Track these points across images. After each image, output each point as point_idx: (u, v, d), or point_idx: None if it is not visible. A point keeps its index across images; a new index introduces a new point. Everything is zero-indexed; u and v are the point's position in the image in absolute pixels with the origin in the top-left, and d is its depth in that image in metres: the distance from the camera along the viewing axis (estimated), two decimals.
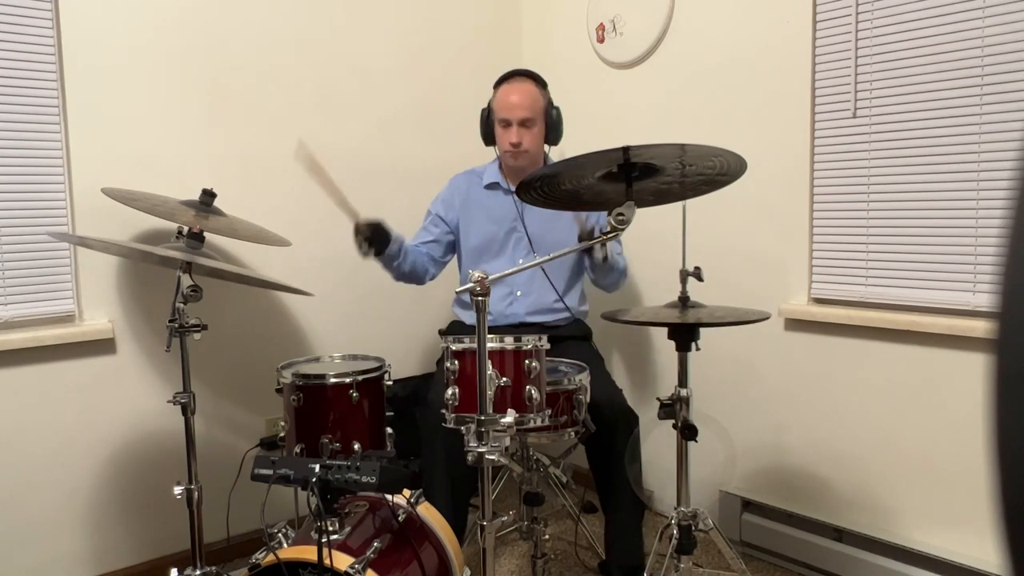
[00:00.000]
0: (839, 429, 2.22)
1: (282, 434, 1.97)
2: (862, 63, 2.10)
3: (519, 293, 2.37)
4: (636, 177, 1.54)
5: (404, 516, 1.65)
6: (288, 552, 1.46)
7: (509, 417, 1.45)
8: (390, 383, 2.01)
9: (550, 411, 1.70)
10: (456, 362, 1.61)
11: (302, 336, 2.62)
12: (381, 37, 2.76)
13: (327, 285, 2.65)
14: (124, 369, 2.26)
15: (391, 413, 2.02)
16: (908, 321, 2.01)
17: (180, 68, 2.33)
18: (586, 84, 2.90)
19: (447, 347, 1.63)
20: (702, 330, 1.83)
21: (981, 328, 1.88)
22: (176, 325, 1.84)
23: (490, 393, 1.51)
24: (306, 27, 2.58)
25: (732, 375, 2.48)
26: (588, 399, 1.91)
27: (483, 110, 2.37)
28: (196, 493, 1.90)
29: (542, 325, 2.34)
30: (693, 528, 1.83)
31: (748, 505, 2.40)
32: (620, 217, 1.47)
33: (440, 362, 2.21)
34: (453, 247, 2.47)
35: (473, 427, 1.45)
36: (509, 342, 1.61)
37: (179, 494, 1.88)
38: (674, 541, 1.82)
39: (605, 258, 2.11)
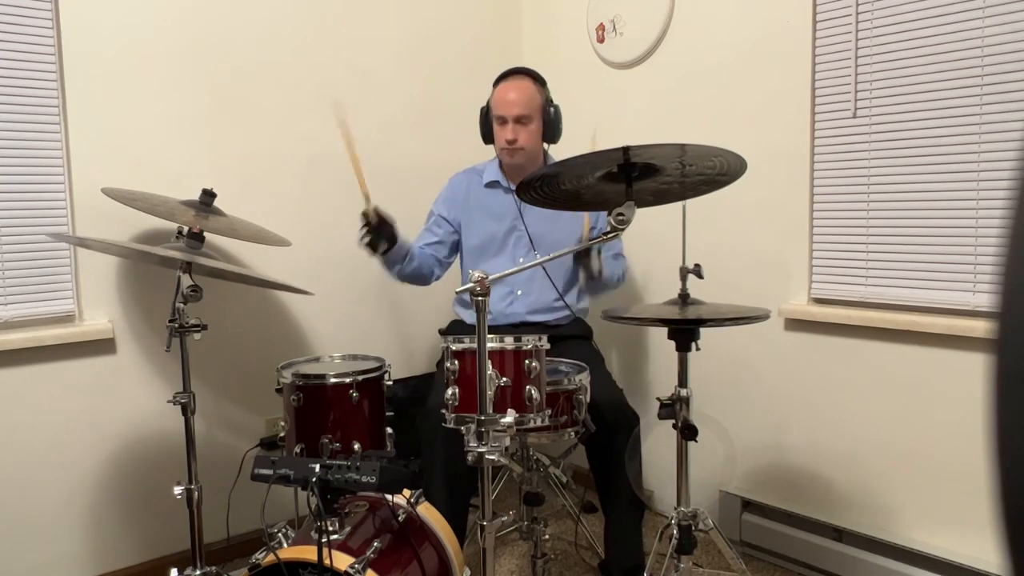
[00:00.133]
0: (839, 429, 2.22)
1: (282, 434, 1.97)
2: (862, 63, 2.10)
3: (519, 292, 2.37)
4: (636, 177, 1.54)
5: (404, 516, 1.65)
6: (288, 552, 1.46)
7: (509, 417, 1.45)
8: (390, 383, 2.02)
9: (550, 411, 1.70)
10: (456, 362, 1.61)
11: (302, 336, 2.62)
12: (381, 37, 2.76)
13: (327, 285, 2.65)
14: (124, 369, 2.26)
15: (391, 413, 2.02)
16: (908, 321, 2.01)
17: (180, 68, 2.33)
18: (586, 84, 2.90)
19: (447, 347, 1.63)
20: (702, 330, 1.83)
21: (981, 328, 1.88)
22: (176, 325, 1.84)
23: (490, 393, 1.51)
24: (306, 27, 2.58)
25: (732, 375, 2.48)
26: (588, 399, 1.91)
27: (482, 108, 2.37)
28: (196, 493, 1.90)
29: (543, 324, 2.34)
30: (693, 528, 1.83)
31: (748, 505, 2.40)
32: (620, 217, 1.47)
33: (440, 363, 2.21)
34: (456, 247, 2.47)
35: (473, 427, 1.45)
36: (509, 342, 1.61)
37: (179, 494, 1.88)
38: (674, 541, 1.82)
39: (600, 272, 2.15)
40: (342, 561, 1.42)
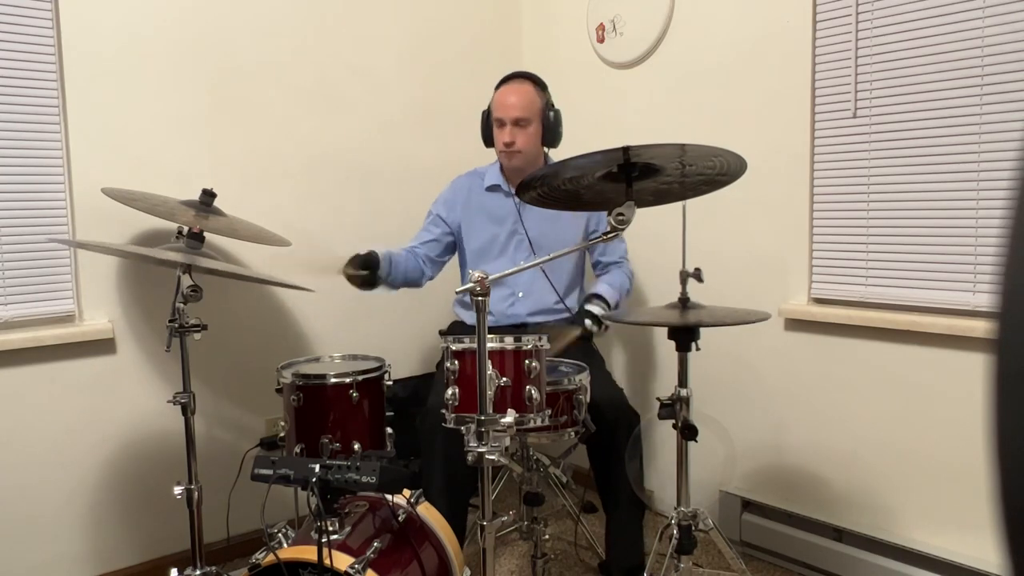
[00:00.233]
0: (839, 429, 2.22)
1: (282, 434, 1.97)
2: (862, 63, 2.10)
3: (520, 294, 2.37)
4: (636, 177, 1.54)
5: (404, 516, 1.65)
6: (288, 552, 1.46)
7: (509, 417, 1.45)
8: (390, 383, 2.01)
9: (550, 411, 1.70)
10: (456, 362, 1.61)
11: (302, 336, 2.62)
12: (381, 37, 2.76)
13: (327, 285, 2.65)
14: (124, 369, 2.26)
15: (391, 413, 2.02)
16: (908, 321, 2.01)
17: (180, 68, 2.33)
18: (586, 84, 2.90)
19: (447, 347, 1.63)
20: (702, 330, 1.83)
21: (981, 328, 1.88)
22: (176, 325, 1.84)
23: (490, 393, 1.51)
24: (306, 27, 2.58)
25: (732, 375, 2.48)
26: (588, 399, 1.91)
27: (483, 112, 2.37)
28: (196, 493, 1.90)
29: (543, 326, 2.34)
30: (693, 528, 1.83)
31: (748, 505, 2.40)
32: (620, 217, 1.47)
33: (440, 364, 2.21)
34: (452, 248, 2.47)
35: (473, 427, 1.45)
36: (509, 342, 1.61)
37: (179, 494, 1.88)
38: (674, 541, 1.82)
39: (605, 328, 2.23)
40: (342, 561, 1.42)
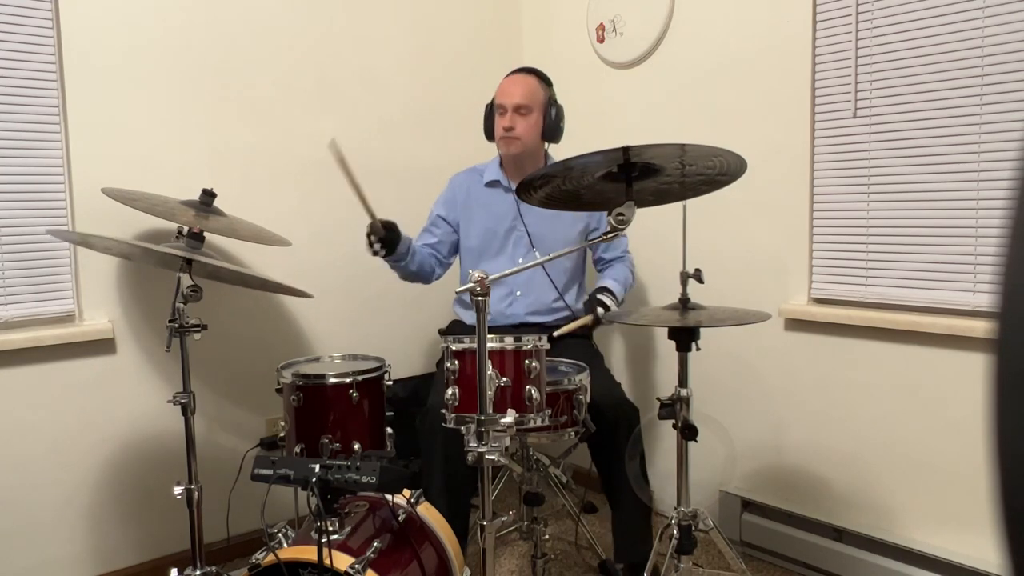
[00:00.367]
0: (839, 429, 2.22)
1: (282, 434, 1.97)
2: (862, 63, 2.10)
3: (519, 293, 2.37)
4: (636, 177, 1.54)
5: (404, 516, 1.65)
6: (288, 552, 1.47)
7: (509, 417, 1.45)
8: (390, 383, 2.02)
9: (550, 411, 1.70)
10: (456, 362, 1.61)
11: (302, 336, 2.62)
12: (381, 37, 2.76)
13: (327, 285, 2.65)
14: (124, 369, 2.26)
15: (391, 413, 2.02)
16: (908, 321, 2.01)
17: (180, 68, 2.33)
18: (586, 84, 2.90)
19: (447, 347, 1.63)
20: (702, 330, 1.83)
21: (981, 328, 1.88)
22: (176, 325, 1.84)
23: (490, 393, 1.51)
24: (306, 27, 2.58)
25: (732, 375, 2.48)
26: (588, 399, 1.91)
27: (487, 105, 2.38)
28: (196, 493, 1.90)
29: (542, 325, 2.34)
30: (693, 528, 1.83)
31: (748, 505, 2.40)
32: (620, 217, 1.47)
33: (440, 363, 2.21)
34: (457, 246, 2.47)
35: (473, 427, 1.45)
36: (509, 342, 1.61)
37: (179, 494, 1.88)
38: (674, 541, 1.82)
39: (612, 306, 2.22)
40: (342, 561, 1.42)
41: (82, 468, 2.20)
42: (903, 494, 2.09)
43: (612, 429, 2.06)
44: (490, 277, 1.42)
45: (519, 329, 2.33)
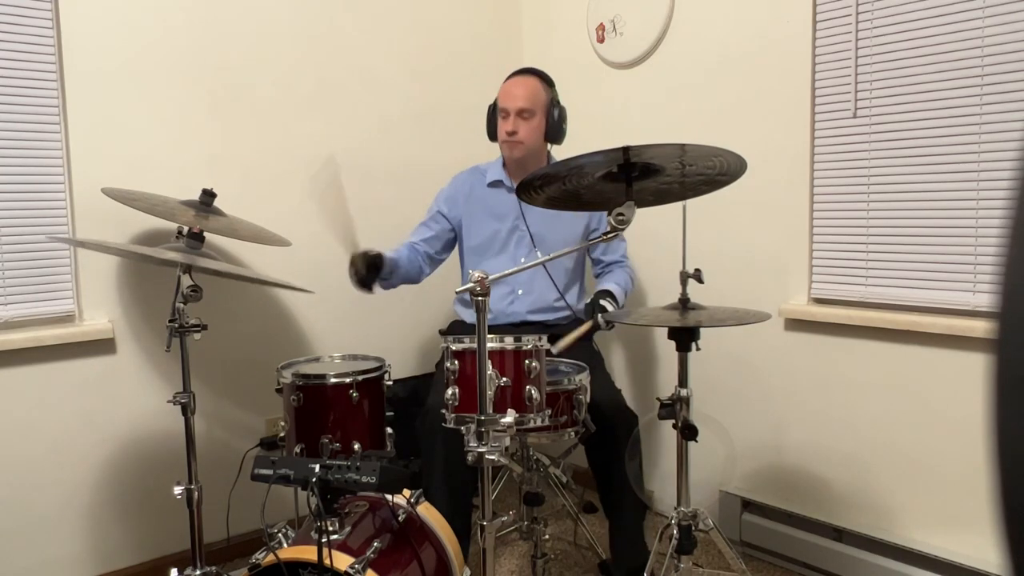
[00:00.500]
0: (839, 429, 2.22)
1: (282, 434, 1.97)
2: (862, 63, 2.10)
3: (520, 292, 2.37)
4: (636, 177, 1.54)
5: (404, 516, 1.65)
6: (288, 552, 1.46)
7: (509, 417, 1.45)
8: (390, 383, 2.01)
9: (550, 411, 1.70)
10: (456, 362, 1.61)
11: (302, 336, 2.62)
12: (381, 37, 2.76)
13: (327, 285, 2.65)
14: (124, 369, 2.26)
15: (391, 413, 2.02)
16: (908, 321, 2.01)
17: (180, 68, 2.33)
18: (586, 84, 2.90)
19: (447, 347, 1.63)
20: (702, 330, 1.83)
21: (981, 328, 1.88)
22: (176, 325, 1.84)
23: (490, 393, 1.51)
24: (307, 27, 2.58)
25: (732, 375, 2.48)
26: (588, 399, 1.91)
27: (490, 105, 2.38)
28: (196, 493, 1.90)
29: (543, 324, 2.34)
30: (693, 528, 1.83)
31: (748, 505, 2.40)
32: (620, 217, 1.47)
33: (440, 363, 2.21)
34: (452, 244, 2.47)
35: (473, 427, 1.45)
36: (509, 342, 1.61)
37: (179, 494, 1.88)
38: (674, 541, 1.82)
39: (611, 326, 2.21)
40: (342, 561, 1.42)
41: (82, 468, 2.20)
42: (903, 494, 2.09)
43: (611, 432, 2.06)
44: (490, 277, 1.42)
45: (520, 328, 2.33)
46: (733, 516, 2.42)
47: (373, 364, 2.01)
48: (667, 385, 2.68)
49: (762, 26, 2.32)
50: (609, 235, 1.50)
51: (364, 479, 1.45)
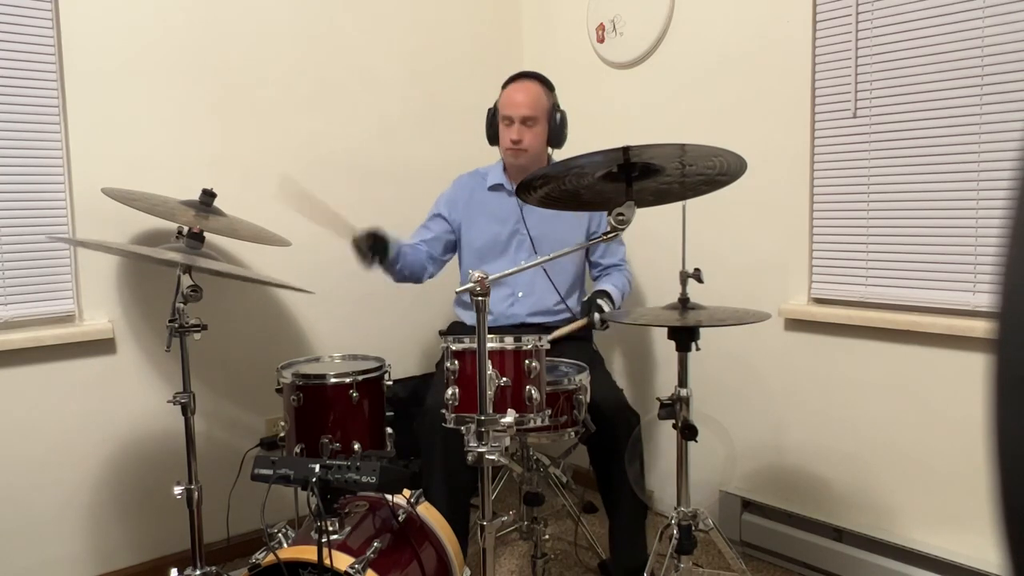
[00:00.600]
0: (839, 429, 2.22)
1: (282, 434, 1.97)
2: (862, 63, 2.10)
3: (520, 294, 2.37)
4: (636, 177, 1.54)
5: (404, 516, 1.65)
6: (288, 552, 1.46)
7: (509, 417, 1.45)
8: (390, 383, 2.01)
9: (550, 411, 1.70)
10: (456, 362, 1.61)
11: (302, 336, 2.62)
12: (381, 38, 2.76)
13: (327, 285, 2.65)
14: (124, 369, 2.26)
15: (391, 413, 2.02)
16: (908, 321, 2.01)
17: (180, 68, 2.33)
18: (586, 84, 2.90)
19: (447, 347, 1.63)
20: (702, 330, 1.83)
21: (981, 328, 1.88)
22: (176, 325, 1.84)
23: (490, 393, 1.51)
24: (306, 27, 2.58)
25: (732, 375, 2.48)
26: (588, 399, 1.91)
27: (489, 110, 2.38)
28: (196, 493, 1.90)
29: (543, 326, 2.34)
30: (693, 528, 1.83)
31: (748, 505, 2.40)
32: (620, 217, 1.47)
33: (440, 364, 2.21)
34: (453, 246, 2.47)
35: (473, 427, 1.45)
36: (509, 342, 1.61)
37: (179, 494, 1.88)
38: (674, 541, 1.82)
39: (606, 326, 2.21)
40: (342, 561, 1.42)
41: (82, 468, 2.20)
42: (903, 494, 2.09)
43: (611, 432, 2.06)
44: (490, 277, 1.42)
45: (520, 329, 2.33)
46: (733, 516, 2.42)
47: (373, 364, 2.01)
48: (667, 385, 2.68)
49: (762, 26, 2.32)
50: (609, 235, 1.50)
51: (364, 479, 1.45)
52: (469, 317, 2.44)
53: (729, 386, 2.50)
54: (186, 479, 1.90)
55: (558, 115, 2.32)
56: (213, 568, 1.95)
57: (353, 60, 2.69)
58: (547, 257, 1.57)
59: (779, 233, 2.33)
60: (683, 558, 1.82)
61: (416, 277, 2.36)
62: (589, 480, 2.29)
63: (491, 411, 1.47)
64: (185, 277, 1.79)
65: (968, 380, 1.94)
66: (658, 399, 1.83)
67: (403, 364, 2.83)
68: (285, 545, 1.54)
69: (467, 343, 1.59)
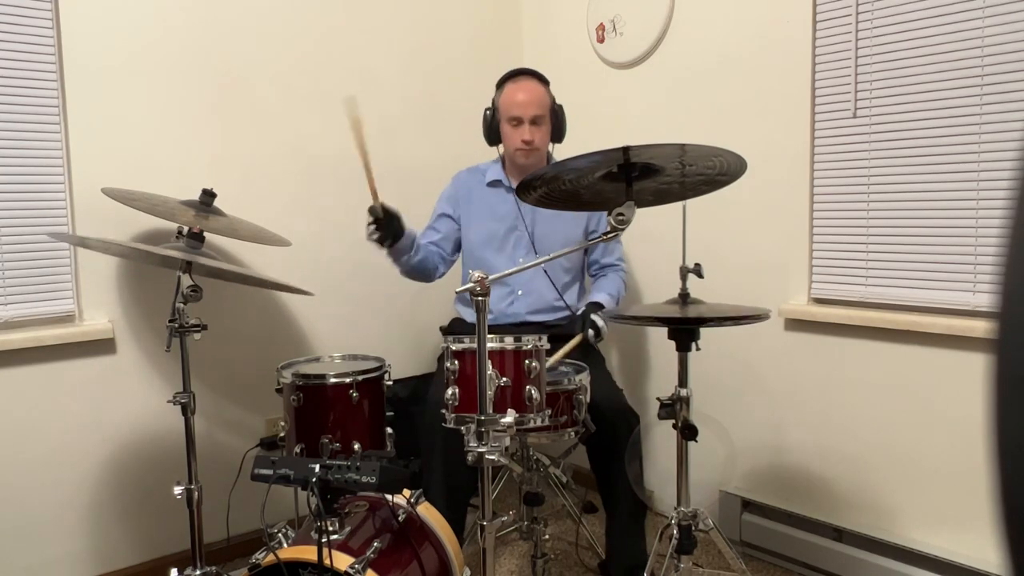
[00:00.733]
0: (839, 429, 2.22)
1: (282, 434, 1.97)
2: (862, 63, 2.10)
3: (520, 292, 2.37)
4: (636, 177, 1.54)
5: (404, 516, 1.65)
6: (288, 552, 1.46)
7: (509, 417, 1.45)
8: (390, 383, 2.01)
9: (550, 411, 1.70)
10: (456, 362, 1.61)
11: (302, 336, 2.62)
12: (381, 37, 2.76)
13: (327, 285, 2.65)
14: (124, 369, 2.26)
15: (391, 413, 2.02)
16: (908, 321, 2.01)
17: (180, 68, 2.33)
18: (586, 84, 2.90)
19: (447, 347, 1.63)
20: (702, 330, 1.83)
21: (981, 328, 1.88)
22: (176, 325, 1.84)
23: (490, 393, 1.51)
24: (306, 27, 2.58)
25: (732, 375, 2.48)
26: (588, 399, 1.91)
27: (486, 110, 2.36)
28: (196, 493, 1.90)
29: (543, 324, 2.34)
30: (693, 528, 1.83)
31: (748, 505, 2.40)
32: (620, 217, 1.47)
33: (441, 360, 2.21)
34: (460, 244, 2.47)
35: (473, 427, 1.45)
36: (509, 342, 1.61)
37: (179, 494, 1.88)
38: (674, 541, 1.82)
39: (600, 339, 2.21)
40: (342, 561, 1.42)
41: (82, 468, 2.20)
42: (903, 494, 2.09)
43: (611, 432, 2.06)
44: (490, 277, 1.42)
45: (520, 328, 2.33)
46: (733, 516, 2.42)
47: (373, 364, 2.01)
48: (667, 385, 2.68)
49: (762, 26, 2.32)
50: (609, 235, 1.50)
51: (364, 479, 1.45)
52: (470, 314, 2.44)
53: (729, 386, 2.50)
54: (186, 479, 1.90)
55: (558, 109, 2.33)
56: (213, 568, 1.95)
57: (353, 60, 2.69)
58: (547, 257, 1.57)
59: (779, 233, 2.33)
60: (683, 558, 1.82)
61: (427, 275, 2.35)
62: (589, 480, 2.29)
63: (491, 411, 1.47)
64: (185, 277, 1.79)
65: (968, 380, 1.94)
66: (658, 399, 1.83)
67: (403, 364, 2.83)
68: (285, 545, 1.54)
69: (467, 343, 1.59)
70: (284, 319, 2.58)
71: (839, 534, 2.16)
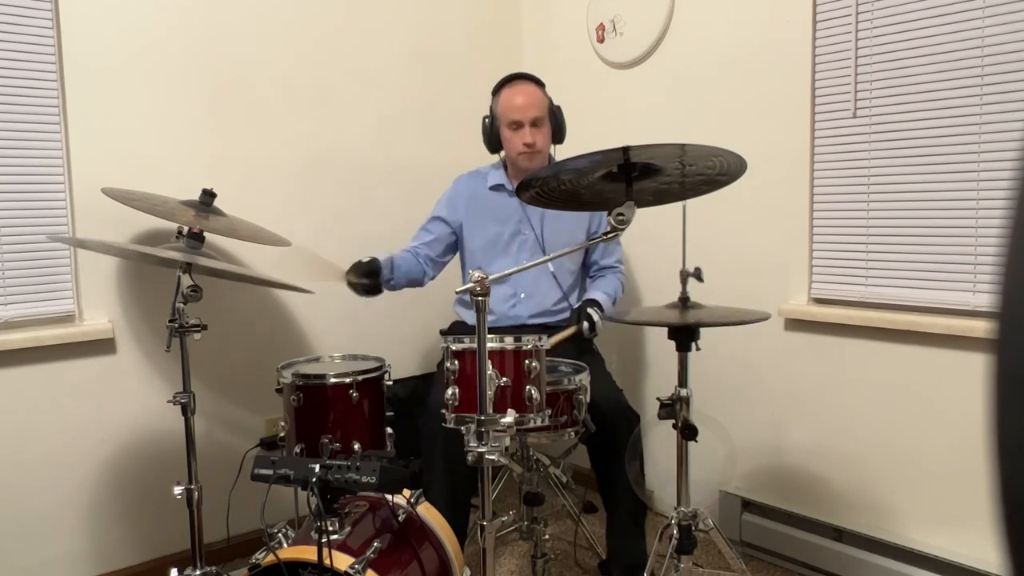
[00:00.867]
0: (839, 429, 2.22)
1: (282, 434, 1.97)
2: (862, 63, 2.10)
3: (523, 295, 2.37)
4: (636, 177, 1.53)
5: (404, 516, 1.65)
6: (288, 552, 1.46)
7: (509, 417, 1.45)
8: (390, 383, 2.01)
9: (550, 411, 1.70)
10: (456, 362, 1.61)
11: (302, 336, 2.62)
12: (381, 37, 2.76)
13: (327, 285, 2.65)
14: (124, 369, 2.26)
15: (391, 413, 2.02)
16: (908, 321, 2.01)
17: (180, 68, 2.33)
18: (586, 84, 2.90)
19: (447, 347, 1.63)
20: (702, 330, 1.83)
21: (981, 328, 1.88)
22: (176, 325, 1.84)
23: (490, 393, 1.51)
24: (306, 27, 2.58)
25: (732, 375, 2.48)
26: (588, 399, 1.91)
27: (485, 118, 2.36)
28: (196, 493, 1.90)
29: (544, 327, 2.34)
30: (693, 528, 1.83)
31: (748, 505, 2.40)
32: (620, 217, 1.47)
33: (440, 363, 2.21)
34: (453, 247, 2.47)
35: (473, 427, 1.45)
36: (509, 342, 1.61)
37: (179, 494, 1.88)
38: (674, 541, 1.82)
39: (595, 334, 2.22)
40: (342, 561, 1.42)
41: (82, 468, 2.20)
42: (903, 494, 2.09)
43: (611, 432, 2.06)
44: (490, 277, 1.42)
45: (521, 330, 2.33)
46: (733, 516, 2.42)
47: (373, 364, 2.01)
48: (667, 385, 2.68)
49: (762, 26, 2.32)
50: (609, 235, 1.50)
51: (364, 479, 1.45)
52: (470, 316, 2.44)
53: (729, 386, 2.50)
54: (186, 479, 1.90)
55: (557, 110, 2.33)
56: (213, 568, 1.95)
57: (353, 60, 2.69)
58: (546, 258, 1.57)
59: (779, 233, 2.33)
60: (683, 558, 1.82)
61: (416, 283, 2.36)
62: (589, 480, 2.29)
63: (491, 411, 1.47)
64: (185, 277, 1.79)
65: (968, 380, 1.94)
66: (658, 399, 1.83)
67: (403, 364, 2.83)
68: (285, 545, 1.54)
69: (467, 343, 1.59)
70: (284, 319, 2.58)
71: (839, 534, 2.16)
